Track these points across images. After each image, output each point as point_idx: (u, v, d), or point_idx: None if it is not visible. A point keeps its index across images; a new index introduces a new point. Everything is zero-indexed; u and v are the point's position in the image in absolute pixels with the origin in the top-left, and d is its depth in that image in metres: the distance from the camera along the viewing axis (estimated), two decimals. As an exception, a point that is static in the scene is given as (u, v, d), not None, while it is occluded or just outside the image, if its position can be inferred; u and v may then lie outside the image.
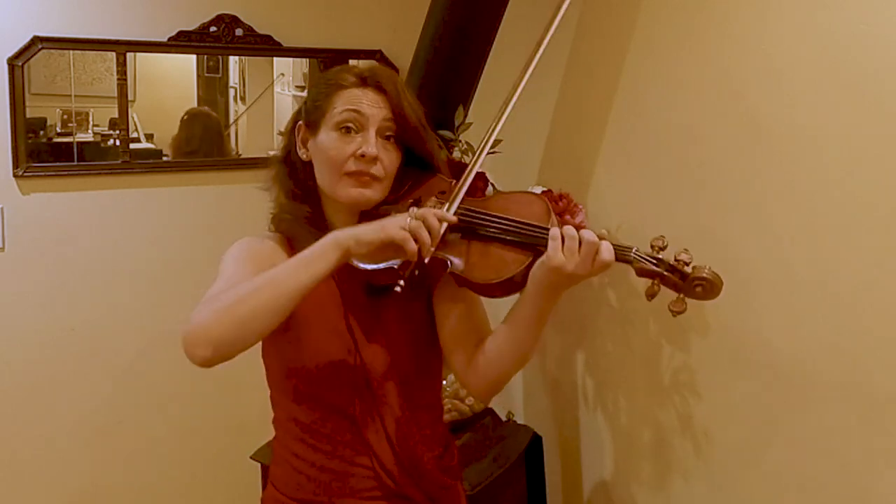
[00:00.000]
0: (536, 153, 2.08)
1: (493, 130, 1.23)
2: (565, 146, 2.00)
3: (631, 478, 1.77)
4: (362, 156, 1.14)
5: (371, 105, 1.16)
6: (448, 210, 1.11)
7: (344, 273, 1.16)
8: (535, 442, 2.01)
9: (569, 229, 1.05)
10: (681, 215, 1.57)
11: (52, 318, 1.97)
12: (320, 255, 1.02)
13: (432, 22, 1.77)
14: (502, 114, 1.23)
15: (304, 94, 2.25)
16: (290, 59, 2.25)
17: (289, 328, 1.14)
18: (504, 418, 2.07)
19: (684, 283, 1.02)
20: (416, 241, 1.04)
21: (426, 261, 1.06)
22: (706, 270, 1.01)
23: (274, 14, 2.12)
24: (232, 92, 2.19)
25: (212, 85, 2.15)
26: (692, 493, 1.59)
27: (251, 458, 1.86)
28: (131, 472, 2.09)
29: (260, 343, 1.13)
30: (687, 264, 1.02)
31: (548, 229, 1.07)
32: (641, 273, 1.04)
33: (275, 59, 2.22)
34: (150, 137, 2.08)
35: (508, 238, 1.11)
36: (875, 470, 1.22)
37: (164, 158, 2.08)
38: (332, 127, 1.16)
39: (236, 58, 2.16)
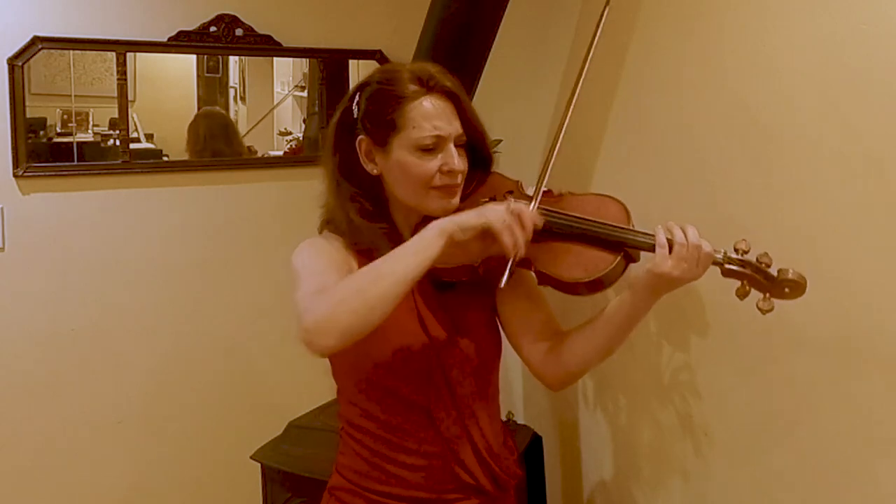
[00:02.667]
0: (537, 153, 2.08)
1: (561, 129, 1.27)
2: (565, 146, 2.00)
3: (631, 478, 1.77)
4: (449, 171, 1.17)
5: (445, 119, 1.17)
6: (531, 208, 1.13)
7: None
8: (535, 442, 2.01)
9: (678, 235, 1.10)
10: (681, 215, 1.56)
11: (52, 319, 1.97)
12: (428, 243, 1.04)
13: (432, 22, 1.77)
14: (567, 112, 1.29)
15: (305, 94, 2.26)
16: (290, 59, 2.25)
17: None
18: (504, 418, 2.07)
19: (771, 284, 1.09)
20: (512, 236, 1.06)
21: (519, 255, 1.07)
22: (791, 272, 1.09)
23: (274, 14, 2.12)
24: (232, 92, 2.19)
25: (212, 85, 2.15)
26: (692, 493, 1.59)
27: (251, 458, 1.86)
28: (131, 473, 2.09)
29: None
30: (769, 266, 1.10)
31: (633, 229, 1.14)
32: (728, 274, 1.12)
33: (275, 59, 2.22)
34: (150, 137, 2.08)
35: (594, 238, 1.15)
36: (877, 469, 1.22)
37: (165, 158, 2.08)
38: (410, 146, 1.16)
39: (236, 58, 2.16)
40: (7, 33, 1.85)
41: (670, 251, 1.10)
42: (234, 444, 2.03)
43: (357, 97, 1.22)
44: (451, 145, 1.18)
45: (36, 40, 1.87)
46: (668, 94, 1.60)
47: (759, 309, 1.10)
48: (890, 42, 1.15)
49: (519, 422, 2.13)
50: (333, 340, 1.00)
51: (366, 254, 1.21)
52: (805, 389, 1.32)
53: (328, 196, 1.25)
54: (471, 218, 1.07)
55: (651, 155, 1.66)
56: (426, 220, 1.22)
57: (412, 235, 1.21)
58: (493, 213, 1.07)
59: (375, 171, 1.20)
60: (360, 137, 1.20)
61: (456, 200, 1.21)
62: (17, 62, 1.86)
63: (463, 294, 1.24)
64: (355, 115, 1.21)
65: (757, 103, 1.38)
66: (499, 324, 1.30)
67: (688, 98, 1.55)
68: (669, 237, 1.11)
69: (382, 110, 1.17)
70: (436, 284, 1.23)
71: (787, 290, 1.09)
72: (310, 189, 2.20)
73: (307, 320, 1.00)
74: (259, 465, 1.86)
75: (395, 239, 1.20)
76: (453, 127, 1.18)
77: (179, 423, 2.13)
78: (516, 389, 2.23)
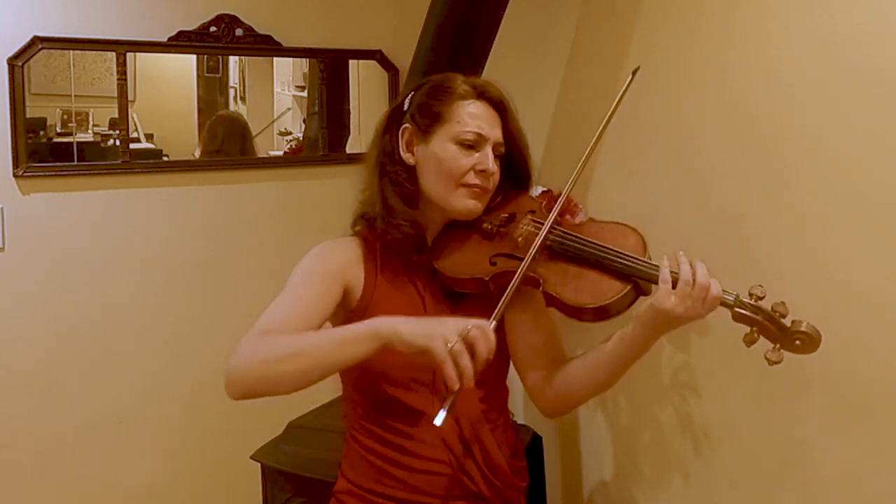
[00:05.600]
0: (536, 153, 2.07)
1: (571, 182, 1.20)
2: (565, 146, 2.00)
3: (631, 478, 1.77)
4: (482, 171, 1.18)
5: (489, 123, 1.20)
6: (491, 321, 1.03)
7: (425, 279, 1.23)
8: (535, 442, 2.01)
9: (683, 271, 1.07)
10: (681, 214, 1.57)
11: (51, 318, 1.97)
12: (358, 340, 1.02)
13: (433, 22, 1.77)
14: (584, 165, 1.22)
15: (305, 94, 2.26)
16: (290, 59, 2.24)
17: None
18: (504, 418, 2.07)
19: (783, 335, 1.05)
20: (457, 367, 0.96)
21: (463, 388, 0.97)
22: (804, 325, 1.04)
23: (274, 14, 2.12)
24: (232, 92, 2.19)
25: (212, 85, 2.15)
26: (692, 493, 1.59)
27: (251, 458, 1.86)
28: (131, 473, 2.09)
29: None
30: (784, 316, 1.05)
31: (646, 261, 1.11)
32: (738, 319, 1.08)
33: (275, 59, 2.22)
34: (150, 137, 2.08)
35: (606, 265, 1.13)
36: (876, 468, 1.22)
37: (165, 158, 2.08)
38: (451, 139, 1.19)
39: (236, 58, 2.16)
40: (7, 33, 1.85)
41: (673, 286, 1.07)
42: (234, 444, 2.03)
43: (411, 94, 1.25)
44: (489, 147, 1.19)
45: (36, 40, 1.87)
46: (667, 93, 1.60)
47: (767, 360, 1.06)
48: (890, 42, 1.15)
49: (519, 422, 2.13)
50: (237, 394, 1.03)
51: (379, 264, 1.22)
52: (805, 388, 1.32)
53: (368, 182, 1.25)
54: (415, 334, 0.98)
55: (651, 155, 1.66)
56: (446, 228, 1.24)
57: (436, 237, 1.24)
58: (439, 338, 0.96)
59: (412, 161, 1.22)
60: (404, 126, 1.22)
61: (481, 206, 1.21)
62: (17, 62, 1.86)
63: (473, 305, 1.21)
64: (405, 109, 1.24)
65: (757, 103, 1.38)
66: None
67: (688, 98, 1.55)
68: (675, 272, 1.08)
69: (431, 102, 1.21)
70: (447, 293, 1.23)
71: (798, 342, 1.05)
72: (310, 189, 2.22)
73: (229, 364, 1.03)
74: (259, 465, 1.86)
75: (420, 233, 1.21)
76: (495, 133, 1.20)
77: (179, 423, 2.13)
78: (516, 389, 2.23)
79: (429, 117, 1.20)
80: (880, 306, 1.19)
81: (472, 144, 1.18)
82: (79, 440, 2.02)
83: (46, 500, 2.00)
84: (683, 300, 1.06)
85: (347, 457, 1.28)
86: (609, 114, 1.21)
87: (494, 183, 1.22)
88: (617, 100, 1.21)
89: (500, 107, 1.23)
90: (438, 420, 0.97)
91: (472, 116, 1.19)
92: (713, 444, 1.53)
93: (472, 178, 1.19)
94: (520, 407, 2.22)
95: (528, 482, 1.33)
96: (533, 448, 2.00)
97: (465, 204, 1.20)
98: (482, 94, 1.21)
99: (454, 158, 1.18)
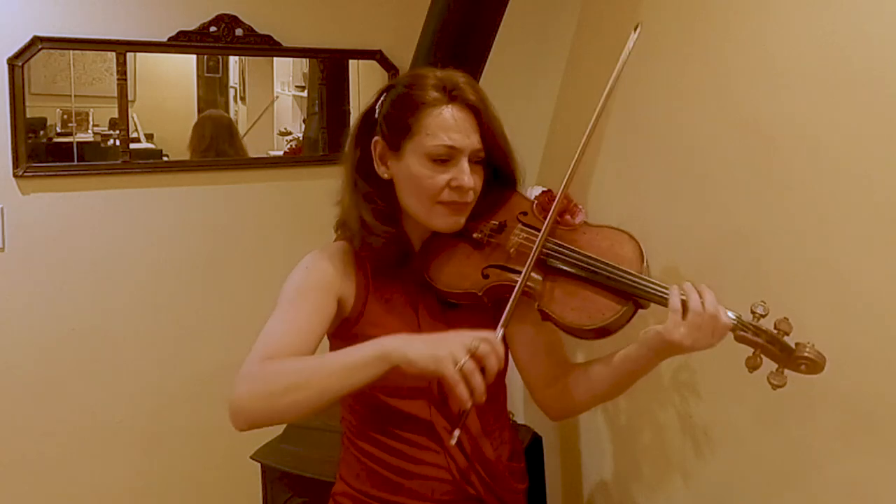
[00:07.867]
0: (536, 153, 2.08)
1: (564, 185, 1.15)
2: (565, 146, 2.00)
3: (631, 478, 1.77)
4: (457, 187, 1.11)
5: (462, 132, 1.11)
6: (497, 335, 1.00)
7: (417, 286, 1.19)
8: (535, 442, 2.01)
9: (693, 301, 1.02)
10: (681, 214, 1.57)
11: (52, 319, 1.97)
12: (365, 364, 0.98)
13: (432, 22, 1.77)
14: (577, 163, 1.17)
15: (305, 94, 2.26)
16: (290, 59, 2.25)
17: (360, 336, 1.13)
18: (504, 418, 2.06)
19: (787, 357, 1.01)
20: (467, 385, 0.93)
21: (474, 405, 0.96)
22: (809, 349, 1.01)
23: (274, 14, 2.12)
24: (232, 92, 2.19)
25: (212, 85, 2.15)
26: (692, 493, 1.59)
27: (251, 458, 1.86)
28: (131, 473, 2.09)
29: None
30: (787, 334, 1.01)
31: (645, 279, 1.06)
32: (740, 340, 1.04)
33: (275, 59, 2.22)
34: (150, 137, 2.08)
35: (602, 283, 1.08)
36: (874, 470, 1.22)
37: (165, 158, 2.08)
38: (422, 154, 1.11)
39: (236, 58, 2.16)
40: (7, 33, 1.85)
41: (683, 316, 1.02)
42: (234, 444, 2.02)
43: (382, 98, 1.18)
44: (465, 160, 1.12)
45: (36, 40, 1.87)
46: (668, 94, 1.60)
47: (770, 383, 1.02)
48: (890, 42, 1.15)
49: (519, 422, 2.13)
50: (242, 426, 1.03)
51: (369, 272, 1.20)
52: (805, 388, 1.32)
53: (343, 194, 1.20)
54: (423, 357, 0.94)
55: (651, 156, 1.66)
56: (434, 235, 1.20)
57: (420, 248, 1.21)
58: (447, 359, 0.93)
59: (386, 176, 1.16)
60: (375, 139, 1.16)
61: (462, 220, 1.16)
62: (17, 62, 1.86)
63: (468, 314, 1.19)
64: (376, 116, 1.17)
65: (757, 104, 1.38)
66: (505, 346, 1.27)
67: (688, 99, 1.55)
68: (684, 298, 1.03)
69: (400, 114, 1.13)
70: (442, 303, 1.21)
71: (802, 366, 1.01)
72: (310, 189, 2.22)
73: (232, 396, 1.03)
74: (259, 465, 1.86)
75: (404, 245, 1.19)
76: (470, 140, 1.12)
77: (180, 423, 2.13)
78: (516, 389, 2.23)
79: (397, 130, 1.13)
80: (885, 313, 1.18)
81: (445, 159, 1.11)
82: (78, 440, 2.02)
83: (46, 500, 2.00)
84: (692, 332, 1.02)
85: (345, 460, 1.27)
86: (612, 82, 1.14)
87: (476, 192, 1.15)
88: (620, 66, 1.14)
89: (474, 109, 1.13)
90: (453, 440, 0.99)
91: (444, 128, 1.10)
92: (713, 444, 1.53)
93: (447, 196, 1.12)
94: (520, 407, 2.22)
95: (527, 484, 1.33)
96: (533, 448, 2.00)
97: (445, 221, 1.14)
98: (454, 98, 1.12)
99: (427, 176, 1.11)
